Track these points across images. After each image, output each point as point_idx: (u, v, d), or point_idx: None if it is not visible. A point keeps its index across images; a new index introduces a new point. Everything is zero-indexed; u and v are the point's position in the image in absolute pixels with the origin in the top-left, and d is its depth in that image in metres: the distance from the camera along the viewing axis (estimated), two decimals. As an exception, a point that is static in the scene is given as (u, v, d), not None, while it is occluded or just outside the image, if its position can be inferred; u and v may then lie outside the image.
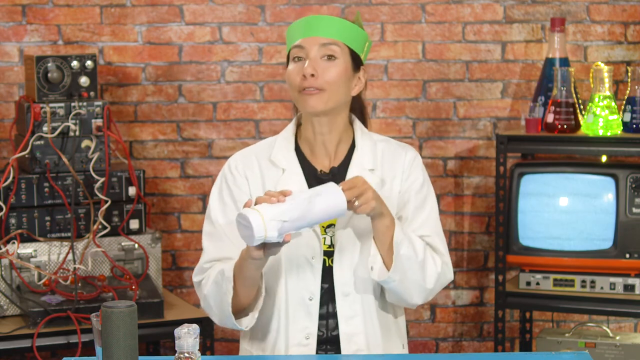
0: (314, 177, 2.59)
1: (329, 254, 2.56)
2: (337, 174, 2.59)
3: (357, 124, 2.66)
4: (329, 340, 2.58)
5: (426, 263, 2.53)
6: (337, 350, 2.57)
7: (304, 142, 2.63)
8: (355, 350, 2.56)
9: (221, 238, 2.58)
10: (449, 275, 2.60)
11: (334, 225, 2.57)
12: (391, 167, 2.62)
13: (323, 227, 2.56)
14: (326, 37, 2.54)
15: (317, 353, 2.57)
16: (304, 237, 2.53)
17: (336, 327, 2.57)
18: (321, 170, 2.60)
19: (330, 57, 2.53)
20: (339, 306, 2.56)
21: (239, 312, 2.52)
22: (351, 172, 2.58)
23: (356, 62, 2.59)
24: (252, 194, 2.58)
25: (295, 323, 2.56)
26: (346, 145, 2.63)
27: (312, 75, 2.50)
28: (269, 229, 2.27)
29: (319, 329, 2.56)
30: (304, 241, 2.54)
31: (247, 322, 2.52)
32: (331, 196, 2.34)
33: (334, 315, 2.57)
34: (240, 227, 2.30)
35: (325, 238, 2.56)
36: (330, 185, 2.37)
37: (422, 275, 2.52)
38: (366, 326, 2.57)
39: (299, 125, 2.66)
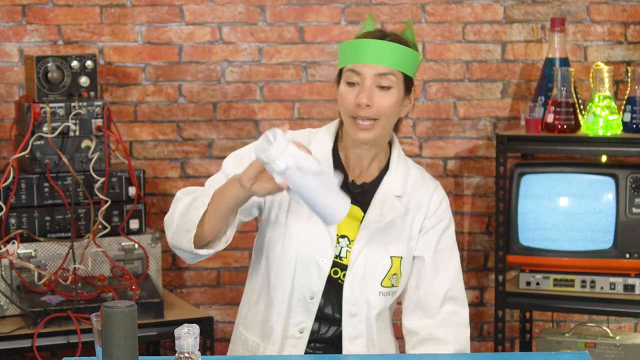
0: (344, 184, 2.59)
1: (334, 264, 2.58)
2: (367, 191, 2.61)
3: (396, 145, 2.67)
4: (319, 339, 2.61)
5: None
6: (328, 347, 2.61)
7: (342, 148, 2.63)
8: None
9: (219, 181, 2.55)
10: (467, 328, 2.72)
11: (347, 237, 2.58)
12: (418, 196, 2.64)
13: (337, 235, 2.58)
14: (384, 66, 2.51)
15: (306, 348, 2.60)
16: (319, 238, 2.55)
17: (328, 330, 2.61)
18: (353, 181, 2.62)
19: (385, 88, 2.52)
20: (345, 325, 2.59)
21: (198, 243, 2.48)
22: (379, 195, 2.60)
23: (408, 85, 2.58)
24: None
25: (293, 317, 2.59)
26: (380, 163, 2.64)
27: (367, 105, 2.51)
28: (282, 157, 2.25)
29: (313, 328, 2.60)
30: (318, 242, 2.56)
31: (203, 252, 2.48)
32: (339, 202, 2.32)
33: (330, 320, 2.60)
34: (263, 140, 2.28)
35: (335, 247, 2.58)
36: (347, 198, 2.35)
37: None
38: (368, 348, 2.62)
39: (341, 124, 2.65)
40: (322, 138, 2.64)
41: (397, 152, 2.66)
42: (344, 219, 2.50)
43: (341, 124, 2.64)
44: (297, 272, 2.57)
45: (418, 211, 2.64)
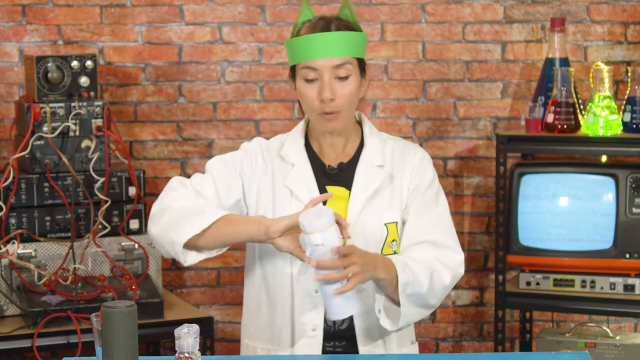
0: (322, 173, 2.62)
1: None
2: (346, 170, 2.62)
3: (366, 122, 2.69)
4: (337, 335, 2.58)
5: (434, 288, 2.53)
6: (350, 345, 2.59)
7: (314, 140, 2.66)
8: (372, 345, 2.58)
9: (207, 181, 2.59)
10: (461, 272, 2.61)
11: None
12: (401, 164, 2.65)
13: None
14: (339, 56, 2.52)
15: (324, 347, 2.58)
16: None
17: (343, 321, 2.58)
18: (329, 166, 2.63)
19: (344, 78, 2.54)
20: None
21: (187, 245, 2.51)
22: (360, 169, 2.61)
23: (362, 67, 2.60)
24: (259, 181, 2.61)
25: (301, 315, 2.57)
26: (355, 142, 2.66)
27: (331, 99, 2.52)
28: (323, 234, 2.31)
29: (326, 323, 2.57)
30: None
31: (191, 258, 2.51)
32: (349, 304, 2.37)
33: None
34: (314, 211, 2.33)
35: None
36: (357, 306, 2.40)
37: (431, 299, 2.54)
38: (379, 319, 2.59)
39: (309, 122, 2.68)
40: (292, 139, 2.67)
41: (369, 128, 2.68)
42: (332, 203, 2.55)
43: (307, 120, 2.67)
44: (296, 268, 2.56)
45: (403, 176, 2.63)
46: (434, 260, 2.55)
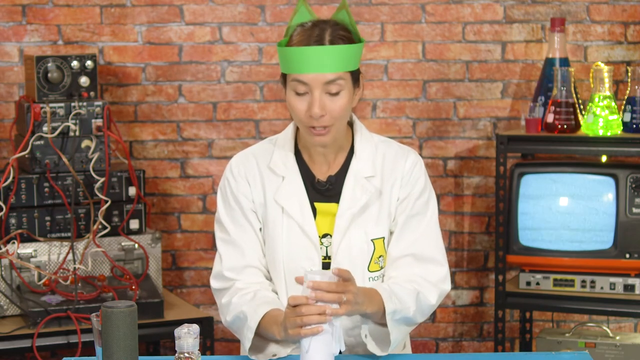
0: (312, 186, 2.58)
1: (324, 265, 2.56)
2: (335, 183, 2.57)
3: (357, 125, 2.62)
4: None
5: (421, 308, 2.52)
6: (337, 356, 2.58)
7: (304, 148, 2.60)
8: None
9: (237, 244, 2.57)
10: (447, 288, 2.59)
11: (329, 234, 2.56)
12: (391, 172, 2.59)
13: (319, 237, 2.56)
14: (331, 72, 2.43)
15: None
16: (301, 248, 2.54)
17: None
18: (318, 180, 2.58)
19: (336, 93, 2.46)
20: (341, 317, 2.55)
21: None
22: (348, 181, 2.56)
23: (356, 77, 2.52)
24: (254, 198, 2.59)
25: None
26: (345, 150, 2.60)
27: (321, 115, 2.45)
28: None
29: None
30: (303, 253, 2.54)
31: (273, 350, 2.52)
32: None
33: None
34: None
35: (321, 249, 2.56)
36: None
37: (418, 319, 2.53)
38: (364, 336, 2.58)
39: (298, 128, 2.62)
40: (282, 147, 2.60)
41: (360, 134, 2.60)
42: (321, 219, 2.53)
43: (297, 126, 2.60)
44: (290, 285, 2.54)
45: (393, 187, 2.57)
46: (419, 278, 2.53)
